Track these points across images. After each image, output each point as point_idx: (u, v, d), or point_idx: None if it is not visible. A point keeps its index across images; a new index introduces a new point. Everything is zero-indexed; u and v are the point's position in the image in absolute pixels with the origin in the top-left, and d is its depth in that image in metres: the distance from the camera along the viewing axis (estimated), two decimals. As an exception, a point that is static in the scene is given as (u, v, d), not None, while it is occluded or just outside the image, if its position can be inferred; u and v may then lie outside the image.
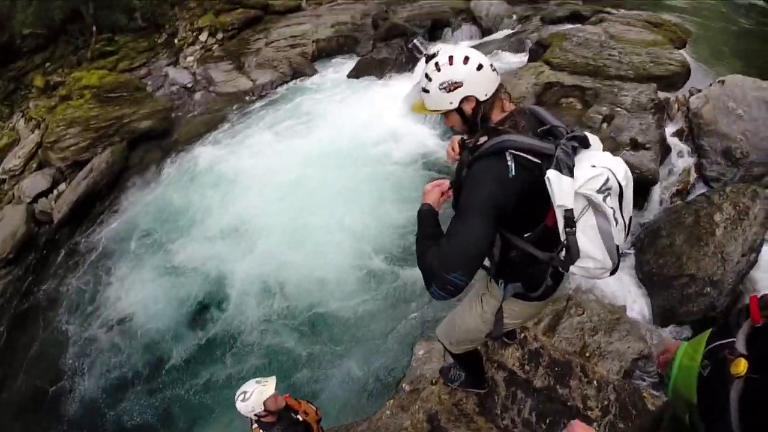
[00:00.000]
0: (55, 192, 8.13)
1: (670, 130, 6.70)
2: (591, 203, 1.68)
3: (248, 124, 8.91)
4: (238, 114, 9.41)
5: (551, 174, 1.63)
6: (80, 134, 8.45)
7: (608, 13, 10.55)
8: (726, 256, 4.61)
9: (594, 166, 1.72)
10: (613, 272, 1.77)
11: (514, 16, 11.13)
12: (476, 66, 1.80)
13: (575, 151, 1.77)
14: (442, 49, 1.86)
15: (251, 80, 10.40)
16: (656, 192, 5.85)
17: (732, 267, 4.55)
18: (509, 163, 1.67)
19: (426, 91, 1.87)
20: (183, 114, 9.71)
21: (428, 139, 7.74)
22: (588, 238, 1.70)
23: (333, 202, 6.64)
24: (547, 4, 11.94)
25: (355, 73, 10.39)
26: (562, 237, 1.67)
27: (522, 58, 8.91)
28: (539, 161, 1.69)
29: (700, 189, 5.87)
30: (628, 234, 1.85)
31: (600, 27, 8.90)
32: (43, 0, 10.97)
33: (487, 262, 1.98)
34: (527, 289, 1.98)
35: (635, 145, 5.99)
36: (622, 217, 1.78)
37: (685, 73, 7.52)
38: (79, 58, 11.38)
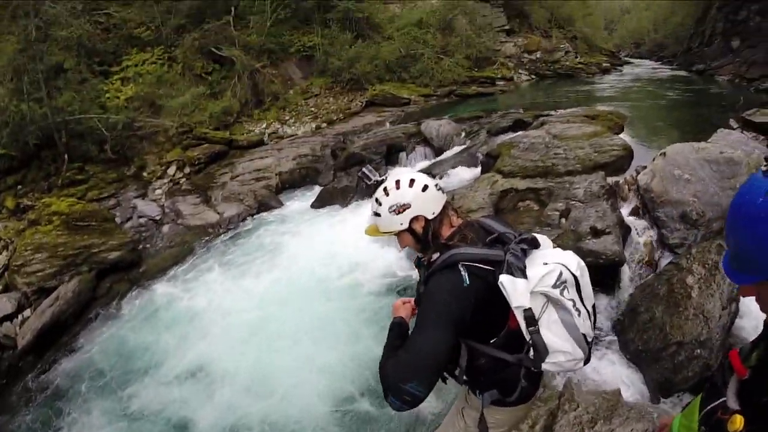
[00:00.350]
0: (20, 317, 7.86)
1: (625, 210, 6.98)
2: (549, 299, 1.79)
3: (214, 259, 8.82)
4: (205, 248, 9.41)
5: (503, 278, 1.76)
6: (47, 260, 8.37)
7: (548, 115, 11.32)
8: (707, 314, 4.69)
9: (546, 264, 1.86)
10: (586, 361, 1.88)
11: (463, 133, 11.77)
12: (421, 187, 2.00)
13: (525, 253, 1.91)
14: (389, 175, 2.14)
15: (218, 213, 10.60)
16: (625, 272, 5.96)
17: (716, 323, 4.63)
18: (462, 274, 1.79)
19: (377, 214, 2.06)
20: (151, 246, 9.74)
21: (398, 263, 7.80)
22: (553, 333, 1.78)
23: (302, 341, 6.30)
24: (490, 117, 12.84)
25: (319, 203, 10.68)
26: (527, 337, 1.77)
27: (475, 171, 9.35)
28: (492, 268, 1.82)
29: (667, 258, 6.03)
30: (594, 321, 1.98)
31: (543, 130, 9.40)
32: (19, 124, 11.27)
33: (457, 374, 2.04)
34: (503, 394, 2.02)
35: (596, 233, 6.18)
36: (584, 306, 1.89)
37: (628, 155, 7.98)
38: (50, 184, 11.54)
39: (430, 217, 2.00)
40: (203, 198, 11.31)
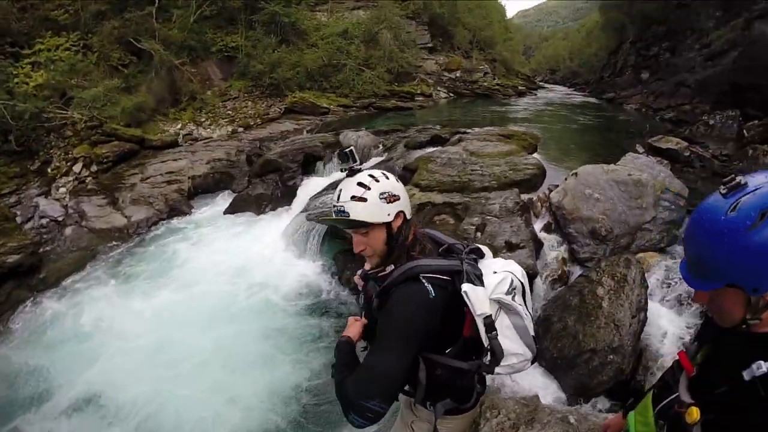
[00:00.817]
0: None
1: (538, 226, 7.32)
2: (502, 305, 1.86)
3: (117, 269, 8.40)
4: (110, 254, 9.01)
5: (467, 287, 1.78)
6: (-63, 262, 7.78)
7: (465, 132, 11.64)
8: (618, 322, 5.02)
9: (496, 272, 1.92)
10: (533, 360, 1.94)
11: (381, 146, 11.97)
12: (402, 185, 1.95)
13: (476, 262, 1.96)
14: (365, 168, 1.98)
15: (125, 217, 10.22)
16: (538, 284, 6.31)
17: (626, 331, 4.97)
18: (426, 286, 1.76)
19: (362, 199, 1.84)
20: (52, 249, 9.21)
21: (315, 277, 7.80)
22: (507, 337, 1.84)
23: (210, 367, 5.68)
24: (408, 131, 13.12)
25: (232, 209, 10.60)
26: (486, 343, 1.80)
27: None
28: (449, 278, 1.83)
29: (578, 272, 6.40)
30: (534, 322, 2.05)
31: (460, 146, 9.65)
32: None
33: (408, 388, 2.01)
34: (459, 402, 2.05)
35: (510, 247, 6.51)
36: (527, 309, 1.96)
37: (541, 174, 8.36)
38: None
39: (408, 217, 1.93)
40: (110, 199, 10.86)
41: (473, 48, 35.18)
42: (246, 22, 20.39)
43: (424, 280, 1.77)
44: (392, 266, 1.90)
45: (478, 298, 1.78)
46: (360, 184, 1.88)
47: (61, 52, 15.15)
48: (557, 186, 7.76)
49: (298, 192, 10.63)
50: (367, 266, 2.07)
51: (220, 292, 7.45)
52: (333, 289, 7.51)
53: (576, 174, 7.57)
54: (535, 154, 9.74)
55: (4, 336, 6.94)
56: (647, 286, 5.54)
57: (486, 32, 38.55)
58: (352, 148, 2.03)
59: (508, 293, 1.88)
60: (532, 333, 1.92)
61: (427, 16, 29.71)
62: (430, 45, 29.88)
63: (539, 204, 7.65)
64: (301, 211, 9.05)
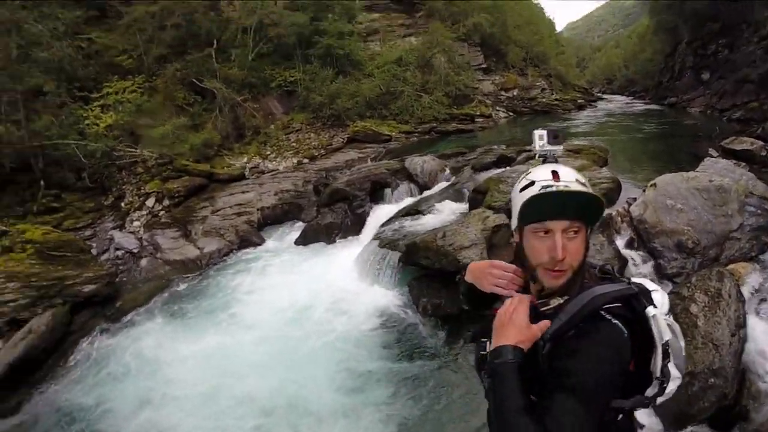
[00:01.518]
0: (-9, 347, 7.45)
1: (620, 243, 6.94)
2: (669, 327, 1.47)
3: (192, 300, 8.36)
4: (184, 285, 9.03)
5: (655, 311, 1.44)
6: (20, 290, 7.99)
7: (530, 150, 11.24)
8: (716, 342, 4.61)
9: (655, 290, 1.57)
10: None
11: (447, 170, 11.83)
12: None
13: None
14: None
15: (198, 248, 10.32)
16: None
17: (726, 350, 4.56)
18: (615, 323, 1.38)
19: (586, 186, 1.47)
20: (128, 280, 9.39)
21: (390, 304, 7.59)
22: (672, 363, 1.49)
23: (274, 418, 5.37)
24: (473, 153, 13.03)
25: (303, 240, 10.55)
26: (657, 373, 1.45)
27: (463, 206, 9.29)
28: (625, 306, 1.45)
29: (666, 288, 5.87)
30: None
31: (528, 164, 9.26)
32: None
33: None
34: None
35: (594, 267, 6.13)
36: None
37: (617, 188, 8.04)
38: (24, 210, 11.08)
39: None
40: (183, 232, 11.03)
41: (527, 65, 34.83)
42: (302, 57, 20.75)
43: (609, 316, 1.38)
44: (558, 299, 1.45)
45: (660, 323, 1.43)
46: (577, 177, 1.48)
47: (128, 95, 15.76)
48: (636, 199, 7.49)
49: (368, 220, 10.58)
50: (531, 293, 1.54)
51: (289, 327, 7.20)
52: (410, 319, 7.23)
53: (655, 185, 7.29)
54: (605, 168, 9.42)
55: (66, 368, 7.00)
56: (744, 300, 5.15)
57: (538, 48, 38.19)
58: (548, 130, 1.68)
59: (668, 312, 1.55)
60: (683, 353, 1.54)
61: (478, 37, 29.59)
62: (484, 66, 29.72)
63: (619, 219, 7.32)
64: (373, 239, 8.93)
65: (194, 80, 17.14)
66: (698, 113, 23.56)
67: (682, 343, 1.51)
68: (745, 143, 10.73)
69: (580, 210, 1.39)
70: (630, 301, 1.45)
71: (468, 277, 1.72)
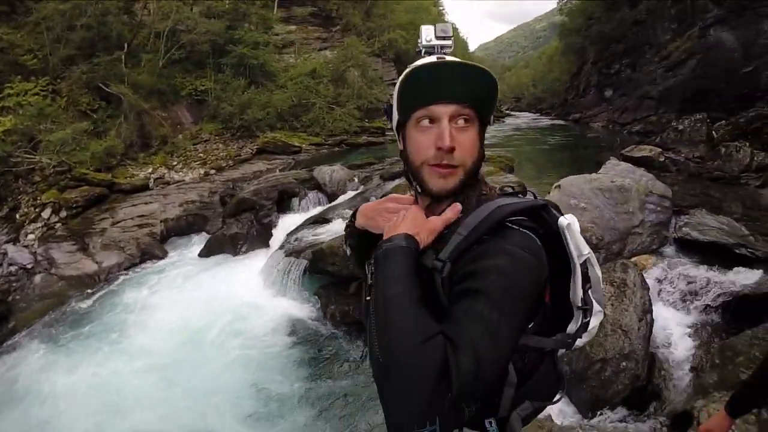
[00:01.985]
0: None
1: None
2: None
3: (86, 320, 7.88)
4: (79, 303, 8.54)
5: (570, 218, 1.19)
6: None
7: None
8: (625, 327, 4.87)
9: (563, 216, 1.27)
10: None
11: (356, 179, 11.99)
12: None
13: None
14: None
15: (96, 262, 9.89)
16: None
17: (636, 335, 4.83)
18: (525, 232, 1.13)
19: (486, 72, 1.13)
20: (22, 298, 8.84)
21: (298, 312, 7.51)
22: (595, 291, 1.24)
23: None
24: (383, 163, 13.40)
25: (207, 252, 10.37)
26: (578, 301, 1.22)
27: None
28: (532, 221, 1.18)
29: None
30: None
31: None
32: None
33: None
34: (544, 398, 1.27)
35: None
36: None
37: (523, 192, 8.30)
38: None
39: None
40: (80, 245, 10.55)
41: (440, 82, 35.82)
42: (214, 66, 20.59)
43: (516, 227, 1.12)
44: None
45: (577, 234, 1.18)
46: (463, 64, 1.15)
47: (29, 97, 15.00)
48: None
49: (275, 230, 10.49)
50: (420, 202, 1.29)
51: (189, 348, 6.79)
52: (320, 328, 7.15)
53: (559, 186, 7.63)
54: (511, 174, 9.82)
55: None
56: (648, 288, 5.52)
57: (451, 66, 39.36)
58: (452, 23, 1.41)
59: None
60: (601, 284, 1.27)
61: (392, 52, 30.31)
62: (396, 81, 30.35)
63: None
64: (279, 249, 8.89)
65: (101, 84, 16.55)
66: (601, 127, 25.11)
67: (599, 273, 1.24)
68: (644, 150, 11.65)
69: (470, 91, 1.13)
70: (539, 213, 1.19)
71: (360, 222, 1.40)
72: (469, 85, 1.12)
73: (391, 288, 1.03)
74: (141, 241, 10.75)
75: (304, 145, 19.53)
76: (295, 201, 11.45)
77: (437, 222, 1.17)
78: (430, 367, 0.90)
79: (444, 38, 1.32)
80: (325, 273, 7.56)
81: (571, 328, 1.24)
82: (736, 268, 5.98)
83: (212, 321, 7.45)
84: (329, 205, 11.14)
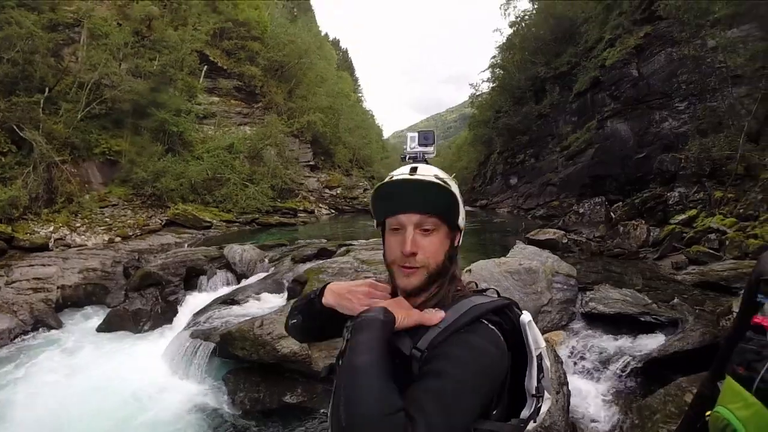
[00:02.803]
0: None
1: None
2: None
3: None
4: None
5: (529, 317, 1.35)
6: None
7: (350, 245, 12.02)
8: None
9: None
10: None
11: (266, 260, 11.94)
12: None
13: None
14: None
15: None
16: None
17: (555, 407, 4.88)
18: (493, 329, 1.27)
19: (447, 183, 1.33)
20: None
21: (203, 398, 7.05)
22: (546, 379, 1.38)
23: None
24: (294, 245, 13.45)
25: (106, 326, 9.90)
26: (533, 389, 1.34)
27: (282, 298, 9.28)
28: (498, 318, 1.32)
29: None
30: None
31: (350, 256, 9.88)
32: None
33: None
34: None
35: None
36: None
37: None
38: None
39: (459, 242, 1.44)
40: None
41: (353, 166, 37.24)
42: (133, 127, 20.48)
43: (490, 324, 1.26)
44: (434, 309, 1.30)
45: (534, 331, 1.34)
46: (444, 180, 1.33)
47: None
48: None
49: (181, 308, 10.25)
50: (401, 284, 1.36)
51: (92, 424, 6.42)
52: (227, 414, 6.68)
53: (470, 270, 7.76)
54: None
55: None
56: (562, 362, 5.76)
57: (365, 151, 41.16)
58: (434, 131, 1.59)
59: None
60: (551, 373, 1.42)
61: (310, 134, 31.28)
62: (312, 163, 31.29)
63: None
64: (185, 329, 8.58)
65: (15, 126, 16.02)
66: (507, 213, 26.63)
67: (548, 363, 1.37)
68: (548, 233, 12.45)
69: (431, 203, 1.30)
70: (505, 311, 1.34)
71: (329, 300, 1.43)
72: (430, 197, 1.29)
73: (364, 356, 1.09)
74: (35, 307, 10.22)
75: (215, 221, 19.60)
76: (203, 279, 11.25)
77: (418, 315, 1.26)
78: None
79: (426, 145, 1.53)
80: (234, 357, 7.22)
81: (524, 413, 1.33)
82: (642, 335, 6.43)
83: (108, 405, 6.89)
84: (239, 285, 10.94)
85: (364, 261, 9.41)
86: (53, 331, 9.85)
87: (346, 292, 1.40)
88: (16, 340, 9.31)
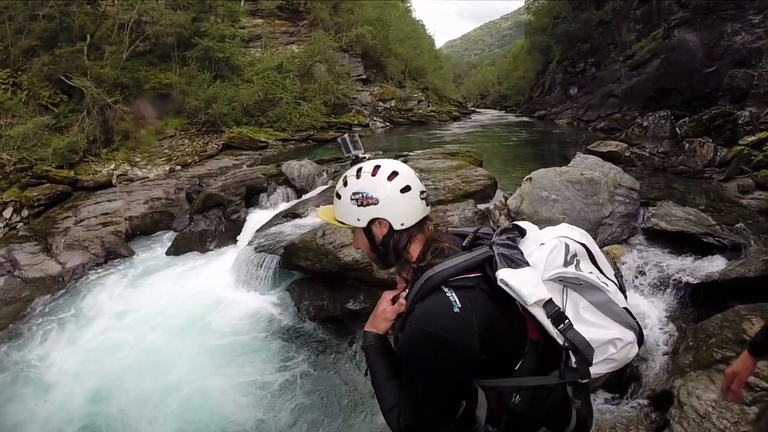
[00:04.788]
0: None
1: None
2: (567, 283, 1.39)
3: (53, 324, 7.56)
4: (45, 306, 8.24)
5: (503, 273, 1.33)
6: None
7: (407, 155, 11.72)
8: None
9: (543, 244, 1.47)
10: (639, 343, 1.43)
11: (325, 174, 11.85)
12: (401, 187, 1.54)
13: (514, 241, 1.51)
14: (374, 158, 1.69)
15: (60, 263, 9.60)
16: None
17: None
18: (449, 296, 1.32)
19: (338, 196, 1.60)
20: None
21: (269, 308, 7.32)
22: (589, 322, 1.37)
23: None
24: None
25: (174, 250, 10.18)
26: (560, 340, 1.34)
27: None
28: (480, 273, 1.39)
29: None
30: (625, 292, 1.56)
31: (408, 165, 9.59)
32: None
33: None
34: (557, 428, 1.47)
35: None
36: (608, 277, 1.49)
37: (493, 185, 8.59)
38: None
39: (396, 227, 1.54)
40: (43, 246, 10.25)
41: (406, 77, 36.05)
42: (179, 59, 20.24)
43: (446, 290, 1.33)
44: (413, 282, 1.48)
45: (523, 283, 1.31)
46: (344, 179, 1.61)
47: (-11, 91, 14.51)
48: (512, 194, 7.88)
49: (244, 225, 10.32)
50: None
51: (165, 339, 6.78)
52: (292, 321, 6.98)
53: (531, 179, 7.73)
54: (481, 168, 9.84)
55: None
56: (622, 276, 5.64)
57: (417, 62, 39.65)
58: (344, 137, 1.95)
59: (567, 263, 1.40)
60: (623, 305, 1.43)
61: (360, 48, 30.29)
62: (364, 76, 30.41)
63: (497, 212, 7.68)
64: (249, 244, 8.69)
65: (62, 77, 16.09)
66: (566, 124, 25.51)
67: (614, 295, 1.42)
68: (610, 146, 11.91)
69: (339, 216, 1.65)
70: (484, 266, 1.40)
71: (369, 336, 1.64)
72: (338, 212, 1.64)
73: (374, 375, 1.57)
74: (106, 240, 10.48)
75: (270, 141, 19.42)
76: (263, 196, 11.31)
77: (390, 312, 1.60)
78: (394, 427, 1.45)
79: (356, 148, 2.01)
80: (298, 268, 7.41)
81: (572, 363, 1.37)
82: (703, 257, 6.19)
83: (182, 318, 7.29)
84: (299, 200, 10.92)
85: (423, 170, 9.16)
86: (125, 260, 10.12)
87: (373, 319, 1.64)
88: (90, 273, 9.56)
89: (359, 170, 1.58)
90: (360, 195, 1.53)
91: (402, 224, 1.53)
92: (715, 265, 5.98)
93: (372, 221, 1.55)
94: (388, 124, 27.62)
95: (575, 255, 1.44)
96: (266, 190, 11.42)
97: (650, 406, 4.33)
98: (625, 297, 1.51)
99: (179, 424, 5.24)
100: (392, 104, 30.45)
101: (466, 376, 1.35)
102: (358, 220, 1.55)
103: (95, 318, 7.75)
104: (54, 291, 8.88)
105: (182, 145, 17.92)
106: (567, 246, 1.44)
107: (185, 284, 8.57)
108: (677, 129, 12.62)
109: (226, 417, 5.32)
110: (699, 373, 4.09)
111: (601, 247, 6.62)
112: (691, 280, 5.78)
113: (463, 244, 1.56)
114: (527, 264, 1.38)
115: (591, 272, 1.42)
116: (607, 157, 10.66)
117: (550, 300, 1.33)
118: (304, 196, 11.03)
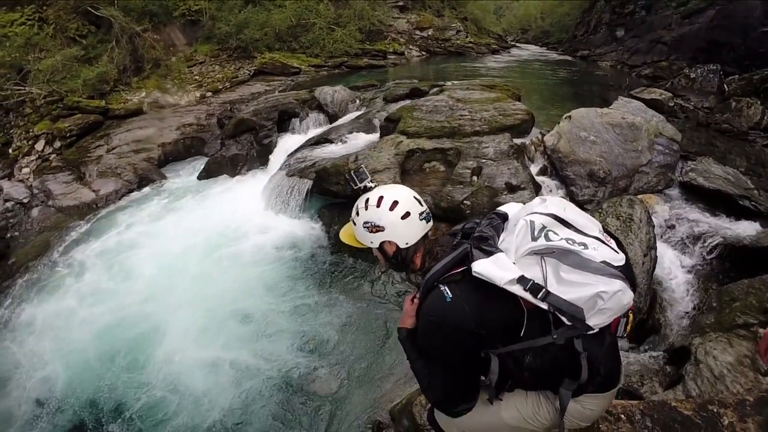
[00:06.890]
0: None
1: (534, 170, 7.26)
2: (542, 254, 1.59)
3: (89, 248, 7.65)
4: (79, 233, 8.32)
5: (475, 266, 1.58)
6: None
7: (443, 85, 11.39)
8: (630, 261, 4.84)
9: (514, 225, 1.69)
10: (632, 287, 1.62)
11: (358, 101, 11.67)
12: (402, 214, 1.85)
13: (498, 228, 1.77)
14: (377, 188, 1.98)
15: (93, 191, 9.60)
16: None
17: (640, 269, 4.89)
18: (442, 290, 1.64)
19: (354, 223, 1.98)
20: (21, 233, 8.61)
21: (300, 230, 7.45)
22: (571, 283, 1.56)
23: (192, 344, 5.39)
24: (385, 85, 13.08)
25: (206, 174, 10.13)
26: (544, 306, 1.55)
27: (374, 136, 9.12)
28: (465, 266, 1.65)
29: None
30: (617, 242, 1.75)
31: (444, 95, 9.44)
32: None
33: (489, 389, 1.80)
34: (576, 378, 1.67)
35: (511, 188, 6.48)
36: (588, 236, 1.66)
37: (531, 120, 8.28)
38: None
39: (402, 246, 1.90)
40: (76, 175, 10.21)
41: (444, 6, 34.47)
42: (208, -16, 19.50)
43: (441, 285, 1.68)
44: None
45: (493, 269, 1.56)
46: (356, 209, 1.98)
47: (15, 28, 14.35)
48: (549, 131, 7.77)
49: (275, 150, 10.20)
50: None
51: (199, 258, 6.99)
52: (322, 245, 7.13)
53: (570, 117, 7.61)
54: (519, 102, 9.56)
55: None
56: (654, 225, 5.53)
57: (457, -10, 37.87)
58: (356, 171, 2.11)
59: (535, 238, 1.62)
60: (603, 258, 1.60)
61: (396, -28, 28.94)
62: (401, 3, 29.21)
63: (533, 148, 7.59)
64: (280, 169, 8.62)
65: (89, 8, 15.60)
66: (609, 67, 24.37)
67: (590, 252, 1.60)
68: (654, 93, 11.32)
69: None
70: (466, 261, 1.68)
71: (403, 331, 1.99)
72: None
73: (409, 360, 1.92)
74: (138, 167, 10.44)
75: (303, 67, 18.76)
76: (295, 122, 11.14)
77: (410, 311, 1.97)
78: (430, 399, 1.91)
79: (362, 180, 2.10)
80: (329, 193, 7.46)
81: (566, 320, 1.58)
82: (737, 219, 6.15)
83: (215, 240, 7.45)
84: (331, 126, 10.77)
85: (459, 99, 8.94)
86: (157, 185, 10.12)
87: (402, 318, 2.01)
88: (123, 198, 9.60)
89: (366, 201, 1.93)
90: (369, 224, 1.90)
91: (406, 243, 1.90)
92: (748, 229, 5.95)
93: (383, 242, 1.91)
94: (424, 53, 26.49)
95: (543, 227, 1.64)
96: (298, 116, 11.20)
97: (666, 359, 4.36)
98: (620, 246, 1.72)
99: (225, 339, 5.45)
100: (429, 33, 29.21)
101: (470, 350, 1.68)
102: (371, 242, 1.94)
103: (130, 241, 7.80)
104: (87, 217, 8.89)
105: (213, 71, 17.45)
106: (532, 222, 1.64)
107: (218, 207, 8.60)
108: (725, 86, 11.89)
109: (257, 333, 5.53)
110: (719, 335, 4.07)
111: (634, 194, 6.45)
112: (720, 241, 5.76)
113: (453, 243, 1.85)
114: (500, 250, 1.62)
115: (562, 238, 1.61)
116: (650, 104, 10.27)
117: (522, 276, 1.54)
118: (336, 122, 10.89)
